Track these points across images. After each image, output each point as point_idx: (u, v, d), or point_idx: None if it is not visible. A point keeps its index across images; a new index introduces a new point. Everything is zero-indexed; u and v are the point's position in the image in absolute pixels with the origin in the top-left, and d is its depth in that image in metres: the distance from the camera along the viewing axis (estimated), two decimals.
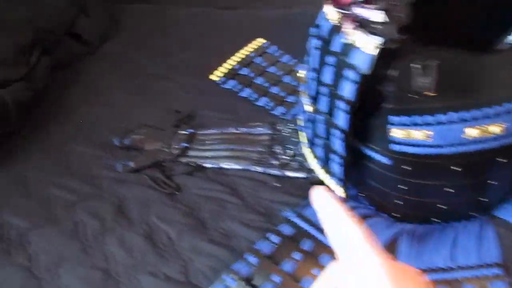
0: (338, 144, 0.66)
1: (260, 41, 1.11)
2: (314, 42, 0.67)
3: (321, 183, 0.77)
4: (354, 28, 0.56)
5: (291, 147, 0.86)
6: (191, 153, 0.88)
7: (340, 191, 0.72)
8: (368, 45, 0.56)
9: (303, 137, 0.82)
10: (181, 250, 0.73)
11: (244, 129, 0.91)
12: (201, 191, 0.81)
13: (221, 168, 0.85)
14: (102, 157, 0.88)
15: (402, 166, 0.66)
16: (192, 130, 0.91)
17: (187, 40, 1.14)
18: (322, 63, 0.64)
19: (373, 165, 0.68)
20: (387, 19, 0.55)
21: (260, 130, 0.90)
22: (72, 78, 1.06)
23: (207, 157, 0.87)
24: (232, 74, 1.03)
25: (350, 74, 0.59)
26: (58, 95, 1.02)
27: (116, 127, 0.94)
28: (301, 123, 0.84)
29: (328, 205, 0.33)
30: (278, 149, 0.86)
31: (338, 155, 0.67)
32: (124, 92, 1.03)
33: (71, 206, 0.80)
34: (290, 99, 0.97)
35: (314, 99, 0.70)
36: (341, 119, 0.63)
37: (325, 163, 0.73)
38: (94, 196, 0.81)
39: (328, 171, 0.73)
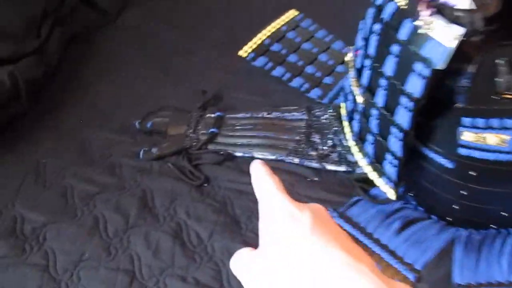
0: (395, 144, 0.58)
1: (293, 13, 1.01)
2: (372, 26, 0.58)
3: (366, 180, 0.69)
4: (430, 15, 0.48)
5: (331, 136, 0.78)
6: (219, 139, 0.80)
7: (391, 193, 0.64)
8: (446, 36, 0.48)
9: (346, 127, 0.74)
10: (212, 252, 0.66)
11: (277, 114, 0.83)
12: (232, 184, 0.74)
13: (253, 158, 0.77)
14: (122, 142, 0.81)
15: (466, 172, 0.58)
16: (220, 113, 0.83)
17: (213, 10, 1.05)
18: (383, 51, 0.56)
19: (432, 166, 0.61)
20: (473, 6, 0.46)
21: (296, 115, 0.82)
22: (88, 51, 0.97)
23: (237, 145, 0.79)
24: (262, 50, 0.94)
25: (419, 67, 0.51)
26: (72, 71, 0.93)
27: (137, 108, 0.86)
28: (344, 111, 0.76)
29: (260, 174, 0.40)
30: (316, 138, 0.78)
31: (394, 155, 0.60)
32: (145, 68, 0.94)
33: (90, 198, 0.73)
34: (327, 80, 0.89)
35: (367, 90, 0.62)
36: (403, 117, 0.55)
37: (375, 160, 0.65)
38: (115, 187, 0.74)
39: (378, 169, 0.65)
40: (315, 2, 1.02)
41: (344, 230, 0.61)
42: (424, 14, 0.48)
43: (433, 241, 0.65)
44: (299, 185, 0.74)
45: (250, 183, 0.73)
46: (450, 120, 0.54)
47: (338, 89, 0.86)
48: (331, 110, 0.81)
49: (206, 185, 0.74)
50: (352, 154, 0.72)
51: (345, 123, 0.74)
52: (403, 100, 0.54)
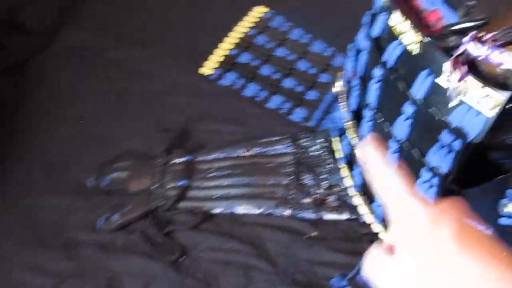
0: None
1: (261, 10, 0.85)
2: (369, 68, 0.44)
3: (376, 236, 0.57)
4: (462, 77, 0.33)
5: (325, 176, 0.64)
6: (192, 193, 0.67)
7: None
8: (484, 101, 0.34)
9: (344, 170, 0.60)
10: None
11: (257, 150, 0.69)
12: (215, 253, 0.61)
13: (235, 214, 0.64)
14: (76, 209, 0.67)
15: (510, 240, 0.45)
16: (189, 157, 0.69)
17: (167, 19, 0.88)
18: (390, 107, 0.42)
19: None
20: None
21: (279, 149, 0.69)
22: (25, 87, 0.81)
23: (214, 198, 0.66)
24: (229, 64, 0.79)
25: (446, 138, 0.37)
26: (9, 117, 0.77)
27: (91, 156, 0.71)
28: (338, 148, 0.62)
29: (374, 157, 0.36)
30: (307, 179, 0.65)
31: None
32: (95, 101, 0.79)
33: None
34: (311, 95, 0.75)
35: None
36: (426, 191, 0.42)
37: None
38: (74, 277, 0.61)
39: None
40: None
41: None
42: (453, 74, 0.34)
43: None
44: (296, 245, 0.61)
45: (236, 250, 0.61)
46: (490, 191, 0.41)
47: (326, 106, 0.72)
48: (321, 139, 0.67)
49: (183, 258, 0.61)
50: None
51: (342, 165, 0.60)
52: (425, 173, 0.40)
